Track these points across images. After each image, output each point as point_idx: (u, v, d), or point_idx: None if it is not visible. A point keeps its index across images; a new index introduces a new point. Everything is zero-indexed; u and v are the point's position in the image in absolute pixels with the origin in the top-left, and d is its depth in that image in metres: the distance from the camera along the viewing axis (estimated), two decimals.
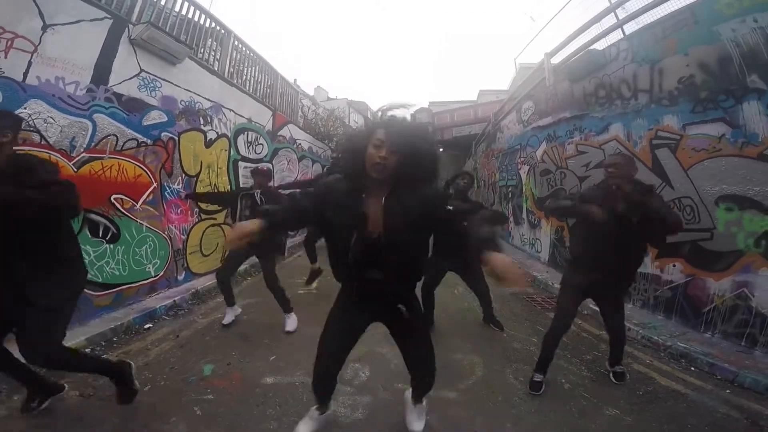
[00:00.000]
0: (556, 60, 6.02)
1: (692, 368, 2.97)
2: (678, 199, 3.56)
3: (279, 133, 7.90)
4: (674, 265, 3.66)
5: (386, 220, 1.49)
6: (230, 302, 3.71)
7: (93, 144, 3.58)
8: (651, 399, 2.57)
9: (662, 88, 3.64)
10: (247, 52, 6.98)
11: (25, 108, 3.00)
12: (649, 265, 3.93)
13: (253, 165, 6.73)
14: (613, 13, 4.32)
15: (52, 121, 3.21)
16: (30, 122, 3.05)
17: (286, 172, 8.25)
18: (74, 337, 2.92)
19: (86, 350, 2.96)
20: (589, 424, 2.27)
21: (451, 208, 1.57)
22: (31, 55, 3.06)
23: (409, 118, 1.66)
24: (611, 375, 2.80)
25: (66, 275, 1.96)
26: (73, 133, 3.39)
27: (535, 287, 5.36)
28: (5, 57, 2.88)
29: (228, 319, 3.69)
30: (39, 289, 1.83)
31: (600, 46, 4.58)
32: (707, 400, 2.53)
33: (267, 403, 2.40)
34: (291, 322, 3.57)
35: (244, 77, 6.92)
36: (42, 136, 3.12)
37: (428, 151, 1.54)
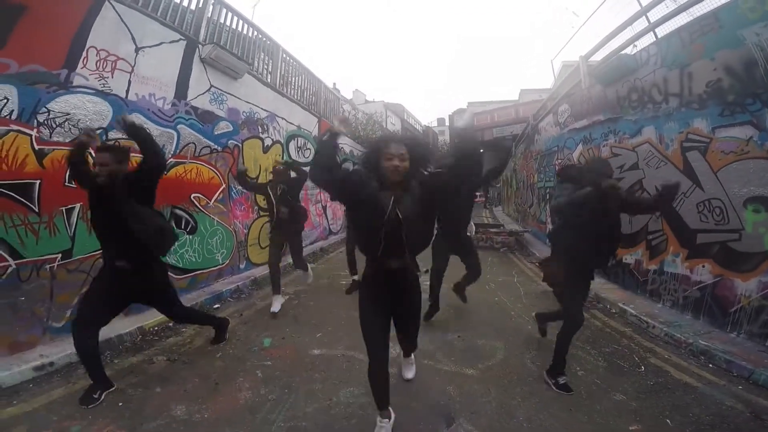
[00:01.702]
0: (596, 57, 5.99)
1: (710, 365, 2.98)
2: (708, 200, 3.59)
3: None
4: (703, 266, 3.68)
5: (403, 211, 1.84)
6: (277, 290, 4.07)
7: (178, 151, 4.27)
8: (660, 389, 2.65)
9: (692, 92, 3.66)
10: (293, 62, 7.54)
11: None
12: (679, 266, 3.97)
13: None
14: (644, 17, 4.34)
15: (149, 131, 3.90)
16: None
17: None
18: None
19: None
20: (595, 405, 2.44)
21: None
22: (130, 75, 3.69)
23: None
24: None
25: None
26: (164, 141, 4.06)
27: None
28: (112, 77, 3.52)
29: (276, 307, 3.99)
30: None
31: (634, 48, 4.61)
32: (716, 394, 2.56)
33: (314, 369, 2.89)
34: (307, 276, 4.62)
35: (292, 87, 7.49)
36: None
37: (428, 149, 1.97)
